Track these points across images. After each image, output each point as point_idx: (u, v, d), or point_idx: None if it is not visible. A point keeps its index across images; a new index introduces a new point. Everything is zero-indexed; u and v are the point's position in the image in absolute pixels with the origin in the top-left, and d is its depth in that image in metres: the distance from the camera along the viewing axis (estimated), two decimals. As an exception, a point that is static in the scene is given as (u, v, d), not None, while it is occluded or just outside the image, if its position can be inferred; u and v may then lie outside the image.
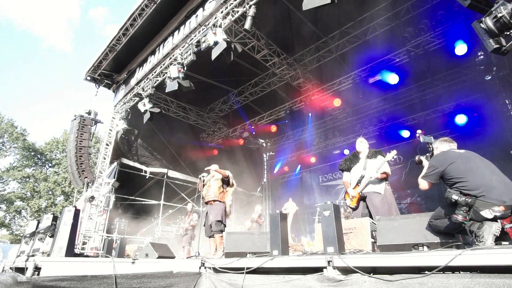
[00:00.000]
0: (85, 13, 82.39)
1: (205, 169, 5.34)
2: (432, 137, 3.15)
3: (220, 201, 5.03)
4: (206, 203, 5.15)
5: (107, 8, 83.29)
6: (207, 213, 5.07)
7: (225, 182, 5.20)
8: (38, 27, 73.42)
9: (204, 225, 5.06)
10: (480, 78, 8.73)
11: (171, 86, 7.33)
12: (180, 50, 7.89)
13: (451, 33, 7.41)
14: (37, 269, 2.98)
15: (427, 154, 3.04)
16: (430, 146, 3.05)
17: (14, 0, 59.19)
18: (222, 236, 4.86)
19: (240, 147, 13.12)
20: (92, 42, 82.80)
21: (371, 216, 3.98)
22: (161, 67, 8.52)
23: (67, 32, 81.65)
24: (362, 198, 4.20)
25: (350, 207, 4.31)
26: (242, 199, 13.75)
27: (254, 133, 12.71)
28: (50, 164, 25.45)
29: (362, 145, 4.43)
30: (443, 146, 2.82)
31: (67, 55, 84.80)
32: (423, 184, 2.68)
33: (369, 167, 4.19)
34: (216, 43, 6.28)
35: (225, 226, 4.98)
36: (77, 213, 3.77)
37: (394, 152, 4.06)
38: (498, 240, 2.18)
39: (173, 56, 8.16)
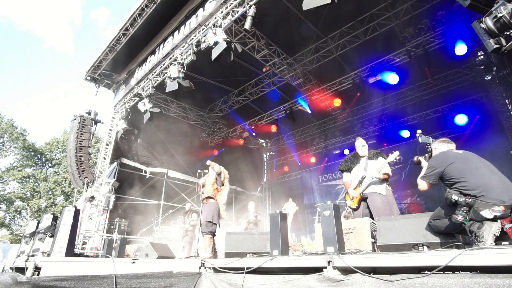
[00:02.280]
0: (86, 14, 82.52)
1: (198, 171, 5.34)
2: (430, 137, 3.15)
3: (213, 199, 4.97)
4: (202, 202, 5.11)
5: (108, 9, 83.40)
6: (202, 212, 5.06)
7: (219, 179, 5.16)
8: (40, 28, 73.56)
9: (200, 225, 5.03)
10: (480, 78, 8.73)
11: (171, 86, 7.34)
12: (180, 50, 7.89)
13: (451, 33, 7.41)
14: (37, 269, 2.98)
15: (426, 155, 3.04)
16: (429, 146, 3.05)
17: (15, 1, 59.22)
18: (211, 238, 4.77)
19: (240, 147, 13.12)
20: (93, 43, 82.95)
21: (371, 216, 3.98)
22: (161, 67, 8.52)
23: (69, 33, 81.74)
24: (363, 198, 4.20)
25: (351, 208, 4.31)
26: (242, 199, 13.75)
27: (254, 134, 12.74)
28: (50, 164, 25.44)
29: (364, 149, 4.40)
30: (442, 146, 2.82)
31: (68, 56, 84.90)
32: (422, 185, 2.68)
33: (370, 168, 4.20)
34: (216, 43, 6.28)
35: (216, 226, 4.87)
36: (77, 213, 3.77)
37: (396, 153, 4.05)
38: (498, 240, 2.19)
39: (173, 56, 8.16)
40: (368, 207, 4.15)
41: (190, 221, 8.15)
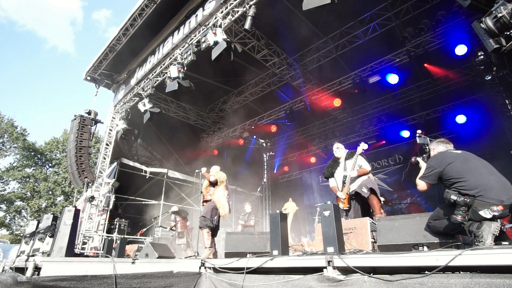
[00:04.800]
0: (88, 15, 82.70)
1: (196, 171, 5.44)
2: (428, 138, 3.15)
3: (209, 201, 5.12)
4: (202, 204, 5.27)
5: (110, 11, 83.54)
6: None
7: (215, 183, 5.26)
8: (41, 28, 73.55)
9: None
10: (480, 78, 8.73)
11: (171, 86, 7.33)
12: (180, 50, 7.89)
13: (451, 33, 7.41)
14: (37, 269, 2.98)
15: (424, 155, 3.04)
16: (427, 147, 3.05)
17: (17, 1, 59.22)
18: (208, 232, 4.84)
19: (240, 147, 13.11)
20: (94, 43, 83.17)
21: (362, 209, 4.20)
22: (161, 67, 8.52)
23: (70, 34, 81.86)
24: (351, 197, 4.39)
25: (344, 210, 4.43)
26: (242, 199, 13.74)
27: (255, 137, 12.79)
28: (50, 164, 25.43)
29: (339, 151, 4.65)
30: (440, 147, 2.82)
31: (69, 56, 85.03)
32: (422, 185, 2.68)
33: (348, 167, 4.42)
34: (216, 43, 6.27)
35: (211, 221, 4.90)
36: (77, 213, 3.77)
37: (362, 144, 4.36)
38: (497, 240, 2.19)
39: (173, 56, 8.16)
40: (357, 201, 4.35)
41: (171, 221, 8.27)
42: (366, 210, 4.32)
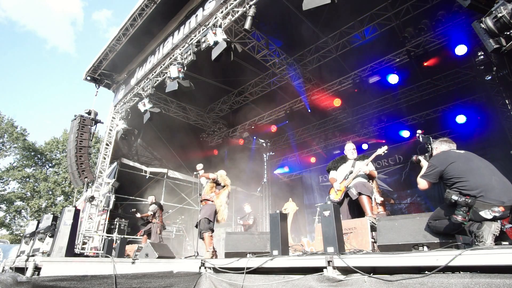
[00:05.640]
0: (88, 16, 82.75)
1: (194, 173, 5.36)
2: (430, 137, 3.15)
3: (210, 201, 5.07)
4: (201, 203, 5.20)
5: (110, 11, 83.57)
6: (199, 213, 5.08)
7: (217, 183, 5.21)
8: (42, 29, 73.59)
9: (196, 226, 5.03)
10: (480, 78, 8.73)
11: (171, 86, 7.33)
12: (180, 50, 7.89)
13: (451, 33, 7.41)
14: (37, 269, 2.98)
15: (426, 154, 3.04)
16: (429, 146, 3.05)
17: (17, 2, 59.20)
18: (211, 236, 4.84)
19: (240, 147, 13.11)
20: (94, 44, 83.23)
21: (358, 211, 4.21)
22: (161, 67, 8.52)
23: (70, 34, 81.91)
24: (346, 194, 4.38)
25: (335, 201, 4.44)
26: (242, 199, 13.73)
27: (255, 138, 12.80)
28: (50, 164, 25.42)
29: (355, 152, 4.69)
30: (443, 146, 2.82)
31: (70, 56, 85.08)
32: (423, 184, 2.67)
33: (357, 166, 4.46)
34: (216, 43, 6.28)
35: (213, 224, 4.91)
36: (77, 213, 3.77)
37: (384, 147, 4.36)
38: (497, 240, 2.18)
39: (173, 56, 8.16)
40: (348, 203, 4.38)
41: (149, 210, 8.16)
42: (361, 210, 4.32)
